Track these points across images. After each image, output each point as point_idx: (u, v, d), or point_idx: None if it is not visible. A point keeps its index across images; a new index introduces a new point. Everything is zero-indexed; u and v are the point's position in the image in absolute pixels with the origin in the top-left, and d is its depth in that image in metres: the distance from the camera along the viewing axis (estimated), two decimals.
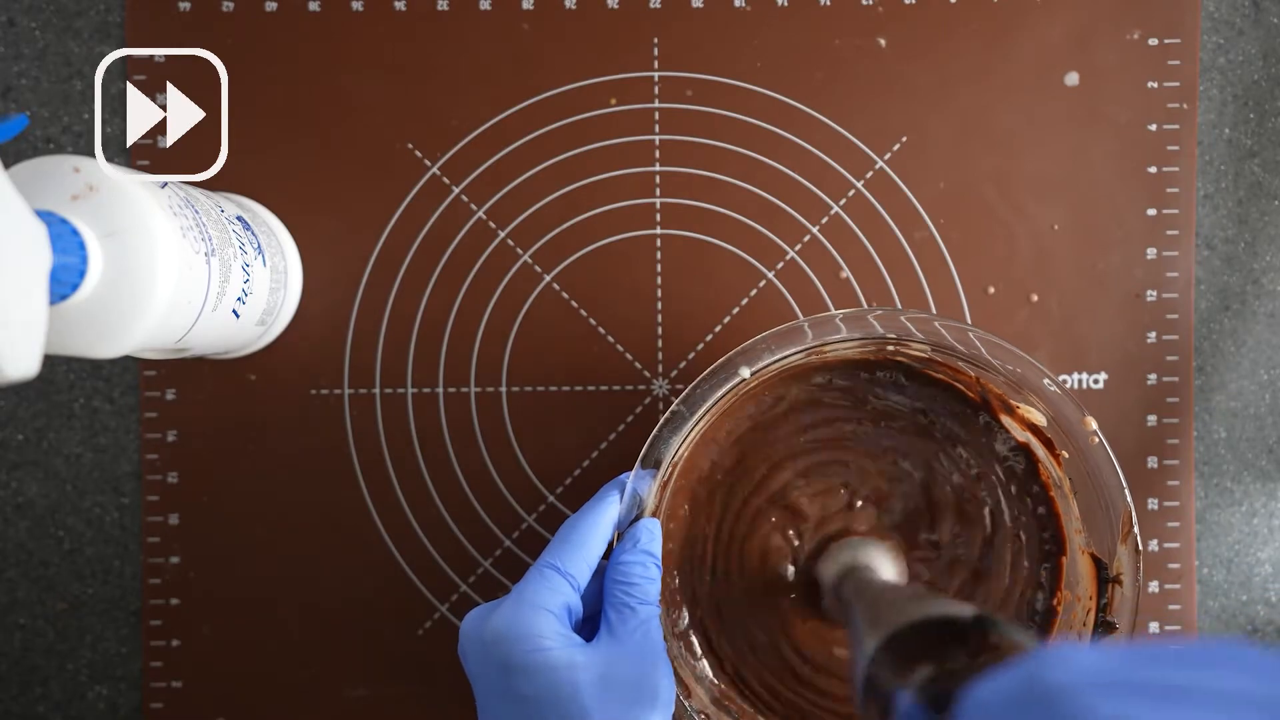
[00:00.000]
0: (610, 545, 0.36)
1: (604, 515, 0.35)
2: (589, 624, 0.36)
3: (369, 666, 0.46)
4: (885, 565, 0.39)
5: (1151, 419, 0.46)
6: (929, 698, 0.23)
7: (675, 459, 0.38)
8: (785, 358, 0.37)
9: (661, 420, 0.36)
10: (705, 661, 0.41)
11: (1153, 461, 0.46)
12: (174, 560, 0.46)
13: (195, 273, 0.34)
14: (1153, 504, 0.46)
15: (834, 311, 0.39)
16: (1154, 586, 0.46)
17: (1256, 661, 0.18)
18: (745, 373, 0.37)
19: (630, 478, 0.36)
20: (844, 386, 0.40)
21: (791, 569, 0.40)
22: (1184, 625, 0.46)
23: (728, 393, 0.37)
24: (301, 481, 0.46)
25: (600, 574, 0.36)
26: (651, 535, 0.36)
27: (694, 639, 0.41)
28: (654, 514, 0.37)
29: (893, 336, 0.37)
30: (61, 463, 0.46)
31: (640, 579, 0.35)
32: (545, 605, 0.33)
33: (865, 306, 0.46)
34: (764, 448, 0.40)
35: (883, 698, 0.25)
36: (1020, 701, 0.19)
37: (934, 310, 0.46)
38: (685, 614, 0.41)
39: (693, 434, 0.38)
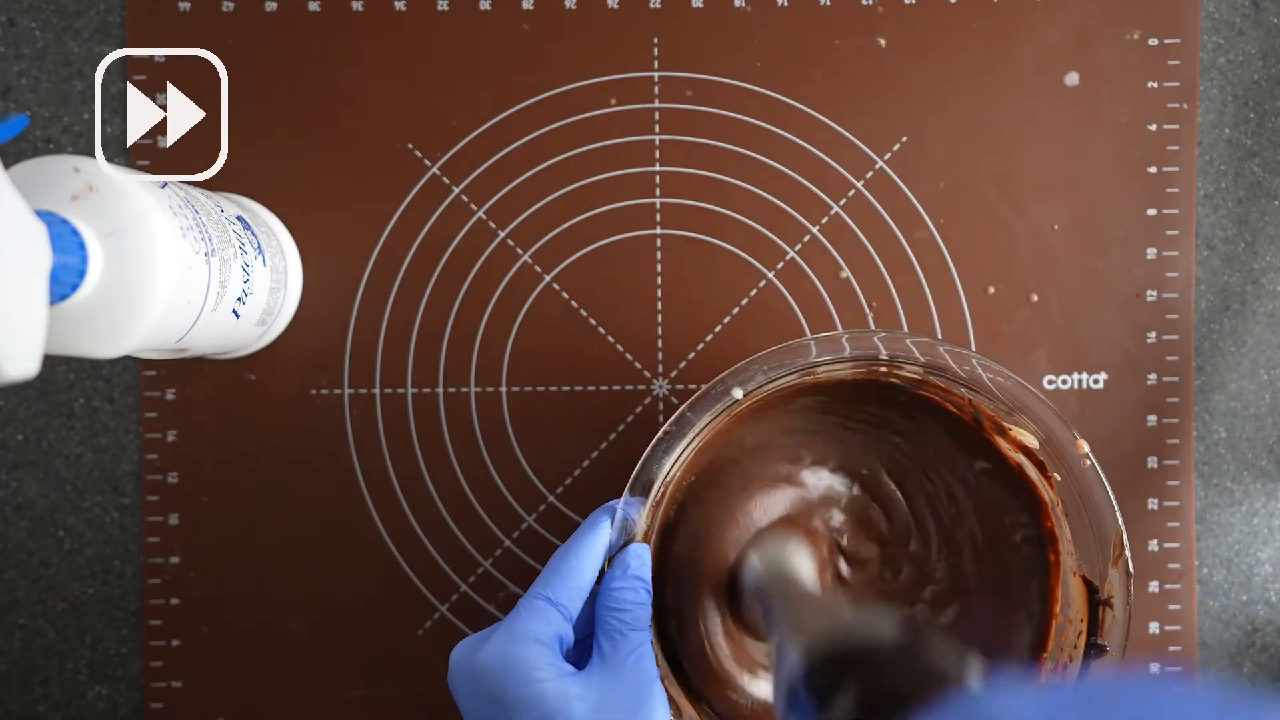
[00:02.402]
0: (602, 571, 0.36)
1: (595, 543, 0.35)
2: (581, 649, 0.36)
3: (369, 666, 0.46)
4: (805, 566, 0.38)
5: (1151, 419, 0.46)
6: None
7: (667, 479, 0.37)
8: (778, 379, 0.37)
9: (652, 442, 0.36)
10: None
11: (1153, 461, 0.46)
12: (174, 560, 0.46)
13: (195, 273, 0.34)
14: (1153, 504, 0.46)
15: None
16: (1154, 586, 0.46)
17: (1197, 704, 0.17)
18: (738, 393, 0.36)
19: (620, 503, 0.36)
20: (835, 405, 0.40)
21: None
22: (1184, 625, 0.46)
23: (720, 413, 0.37)
24: (301, 481, 0.46)
25: (592, 600, 0.35)
26: (642, 560, 0.36)
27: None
28: (645, 537, 0.37)
29: (885, 358, 0.37)
30: (61, 463, 0.46)
31: (631, 605, 0.34)
32: (536, 636, 0.33)
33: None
34: (748, 461, 0.40)
35: None
36: None
37: (934, 312, 0.46)
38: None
39: (685, 454, 0.38)
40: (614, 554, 0.36)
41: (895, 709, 0.20)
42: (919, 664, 0.23)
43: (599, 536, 0.35)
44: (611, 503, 0.36)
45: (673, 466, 0.37)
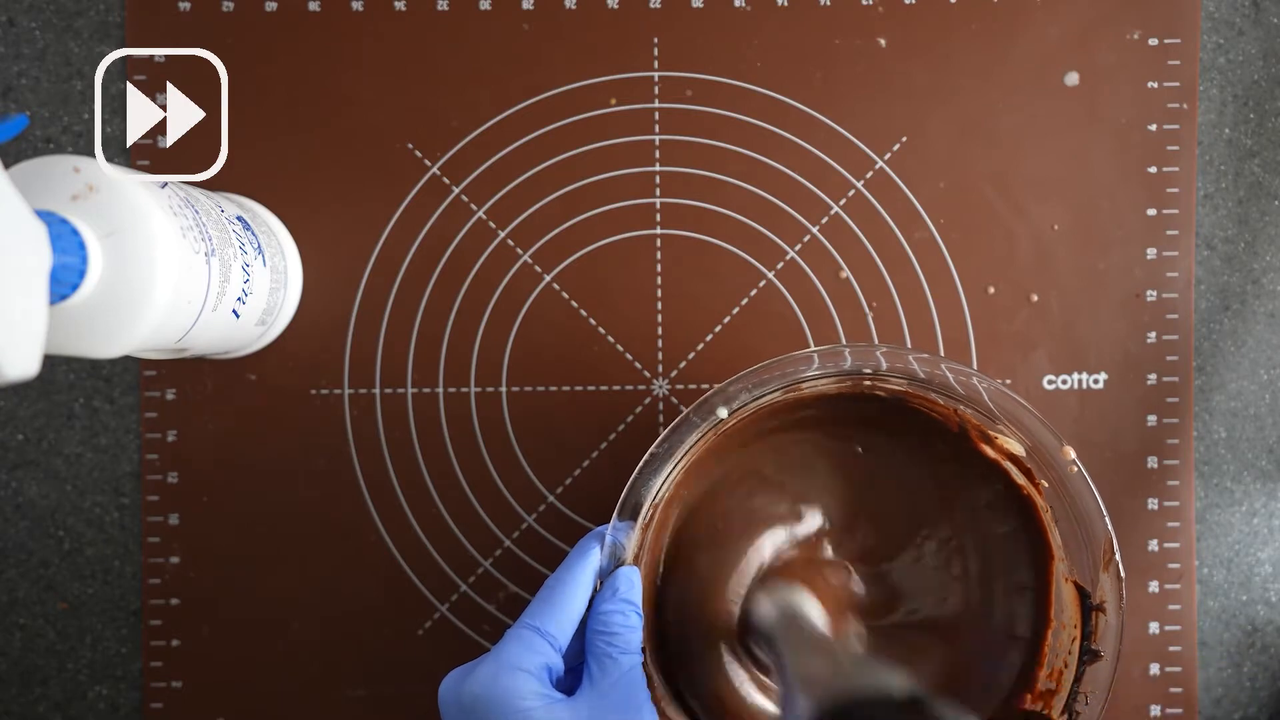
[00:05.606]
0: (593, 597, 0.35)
1: (584, 571, 0.35)
2: (574, 678, 0.35)
3: (369, 666, 0.46)
4: (816, 615, 0.37)
5: (1151, 419, 0.46)
6: None
7: (656, 500, 0.37)
8: (763, 395, 0.37)
9: (639, 465, 0.36)
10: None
11: (1153, 461, 0.46)
12: (174, 560, 0.46)
13: (195, 273, 0.34)
14: (1153, 504, 0.46)
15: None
16: (1154, 586, 0.46)
17: None
18: (723, 413, 0.36)
19: (609, 528, 0.36)
20: (823, 422, 0.40)
21: (737, 610, 0.39)
22: (1184, 625, 0.46)
23: (706, 433, 0.37)
24: (301, 481, 0.46)
25: (584, 627, 0.35)
26: (631, 583, 0.35)
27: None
28: (635, 560, 0.37)
29: (869, 371, 0.37)
30: (61, 463, 0.46)
31: (621, 628, 0.34)
32: (523, 666, 0.33)
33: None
34: (741, 481, 0.40)
35: None
36: None
37: (934, 313, 0.46)
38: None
39: (673, 475, 0.37)
40: (605, 576, 0.36)
41: None
42: None
43: (588, 564, 0.35)
44: (600, 528, 0.36)
45: (661, 488, 0.37)
